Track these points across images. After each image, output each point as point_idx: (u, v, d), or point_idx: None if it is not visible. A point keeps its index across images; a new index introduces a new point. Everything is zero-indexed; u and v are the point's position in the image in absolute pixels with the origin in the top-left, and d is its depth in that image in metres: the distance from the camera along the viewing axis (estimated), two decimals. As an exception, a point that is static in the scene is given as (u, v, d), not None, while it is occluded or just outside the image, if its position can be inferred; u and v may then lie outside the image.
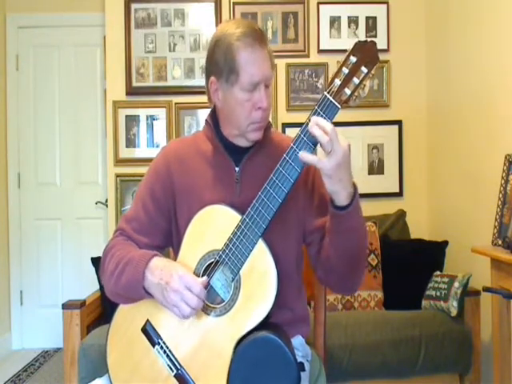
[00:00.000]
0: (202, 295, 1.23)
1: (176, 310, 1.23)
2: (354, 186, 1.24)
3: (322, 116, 1.19)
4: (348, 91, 1.20)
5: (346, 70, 1.20)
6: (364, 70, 1.20)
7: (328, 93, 1.20)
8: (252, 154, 1.41)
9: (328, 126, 1.15)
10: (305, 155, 1.18)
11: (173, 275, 1.23)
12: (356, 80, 1.20)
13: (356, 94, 1.20)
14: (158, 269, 1.26)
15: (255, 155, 1.41)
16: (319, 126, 1.16)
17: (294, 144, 1.21)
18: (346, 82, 1.20)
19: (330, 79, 1.22)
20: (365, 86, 1.21)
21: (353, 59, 1.20)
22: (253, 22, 1.37)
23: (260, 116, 1.34)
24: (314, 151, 1.21)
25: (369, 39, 1.23)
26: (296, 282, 1.44)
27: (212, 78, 1.37)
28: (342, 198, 1.21)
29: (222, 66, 1.32)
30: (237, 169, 1.40)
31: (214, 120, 1.45)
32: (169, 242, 1.46)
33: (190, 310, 1.22)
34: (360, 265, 1.36)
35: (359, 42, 1.21)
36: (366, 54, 1.20)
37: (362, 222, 1.30)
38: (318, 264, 1.38)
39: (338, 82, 1.20)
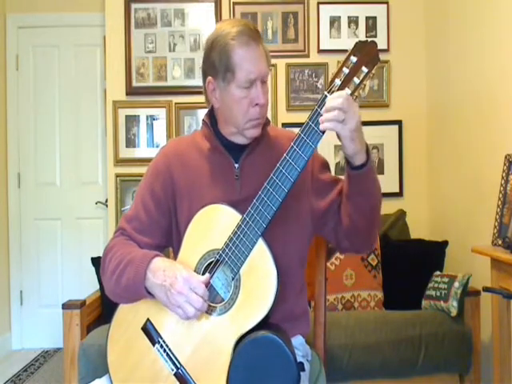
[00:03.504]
0: (206, 296, 1.23)
1: (180, 311, 1.23)
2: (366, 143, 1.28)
3: (320, 114, 1.20)
4: (348, 91, 1.20)
5: (346, 70, 1.21)
6: (364, 69, 1.20)
7: (328, 92, 1.21)
8: (251, 151, 1.42)
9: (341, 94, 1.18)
10: (324, 125, 1.18)
11: (177, 277, 1.23)
12: (356, 80, 1.21)
13: (356, 93, 1.21)
14: (161, 270, 1.26)
15: (254, 151, 1.42)
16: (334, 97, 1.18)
17: (294, 143, 1.22)
18: (347, 81, 1.21)
19: (330, 79, 1.22)
20: (365, 86, 1.21)
21: (353, 59, 1.21)
22: (247, 21, 1.38)
23: (258, 112, 1.35)
24: (314, 150, 1.22)
25: (369, 39, 1.23)
26: (297, 280, 1.45)
27: (209, 78, 1.38)
28: (361, 157, 1.25)
29: (218, 65, 1.33)
30: (236, 165, 1.41)
31: (211, 119, 1.45)
32: (169, 242, 1.46)
33: (195, 312, 1.22)
34: (379, 216, 1.40)
35: (360, 41, 1.22)
36: (367, 53, 1.21)
37: (375, 174, 1.34)
38: (340, 236, 1.40)
39: (338, 81, 1.21)
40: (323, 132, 1.20)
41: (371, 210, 1.34)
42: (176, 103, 3.42)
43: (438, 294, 2.48)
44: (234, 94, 1.34)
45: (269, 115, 3.57)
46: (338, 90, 1.20)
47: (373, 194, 1.32)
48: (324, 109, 1.18)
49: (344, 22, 3.42)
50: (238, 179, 1.40)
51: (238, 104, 1.34)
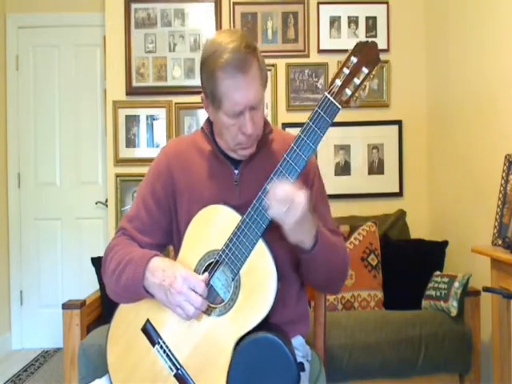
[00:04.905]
0: (205, 295, 1.23)
1: (180, 311, 1.23)
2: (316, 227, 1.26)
3: (322, 116, 1.19)
4: (349, 92, 1.20)
5: (346, 71, 1.21)
6: (365, 70, 1.20)
7: (329, 93, 1.20)
8: (250, 158, 1.41)
9: (282, 189, 1.16)
10: (270, 212, 1.18)
11: (176, 277, 1.23)
12: (357, 81, 1.20)
13: (357, 94, 1.20)
14: (160, 269, 1.26)
15: (254, 159, 1.41)
16: (274, 193, 1.16)
17: (294, 144, 1.22)
18: (347, 82, 1.20)
19: (330, 80, 1.22)
20: (365, 86, 1.21)
21: (354, 60, 1.21)
22: (244, 38, 1.29)
23: (245, 140, 1.33)
24: (314, 151, 1.22)
25: (370, 40, 1.23)
26: (297, 281, 1.45)
27: (202, 95, 1.38)
28: (306, 244, 1.25)
29: (207, 89, 1.32)
30: (236, 171, 1.41)
31: (210, 128, 1.45)
32: (170, 241, 1.47)
33: (194, 310, 1.22)
34: (338, 279, 1.42)
35: (360, 42, 1.22)
36: (367, 54, 1.21)
37: (332, 252, 1.33)
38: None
39: (338, 82, 1.20)
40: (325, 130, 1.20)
41: (321, 281, 1.38)
42: (176, 103, 3.42)
43: (438, 294, 2.48)
44: (222, 120, 1.32)
45: (269, 115, 3.52)
46: (338, 90, 1.20)
47: (322, 270, 1.33)
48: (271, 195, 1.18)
49: (344, 22, 3.42)
50: (237, 185, 1.40)
51: (227, 130, 1.33)
